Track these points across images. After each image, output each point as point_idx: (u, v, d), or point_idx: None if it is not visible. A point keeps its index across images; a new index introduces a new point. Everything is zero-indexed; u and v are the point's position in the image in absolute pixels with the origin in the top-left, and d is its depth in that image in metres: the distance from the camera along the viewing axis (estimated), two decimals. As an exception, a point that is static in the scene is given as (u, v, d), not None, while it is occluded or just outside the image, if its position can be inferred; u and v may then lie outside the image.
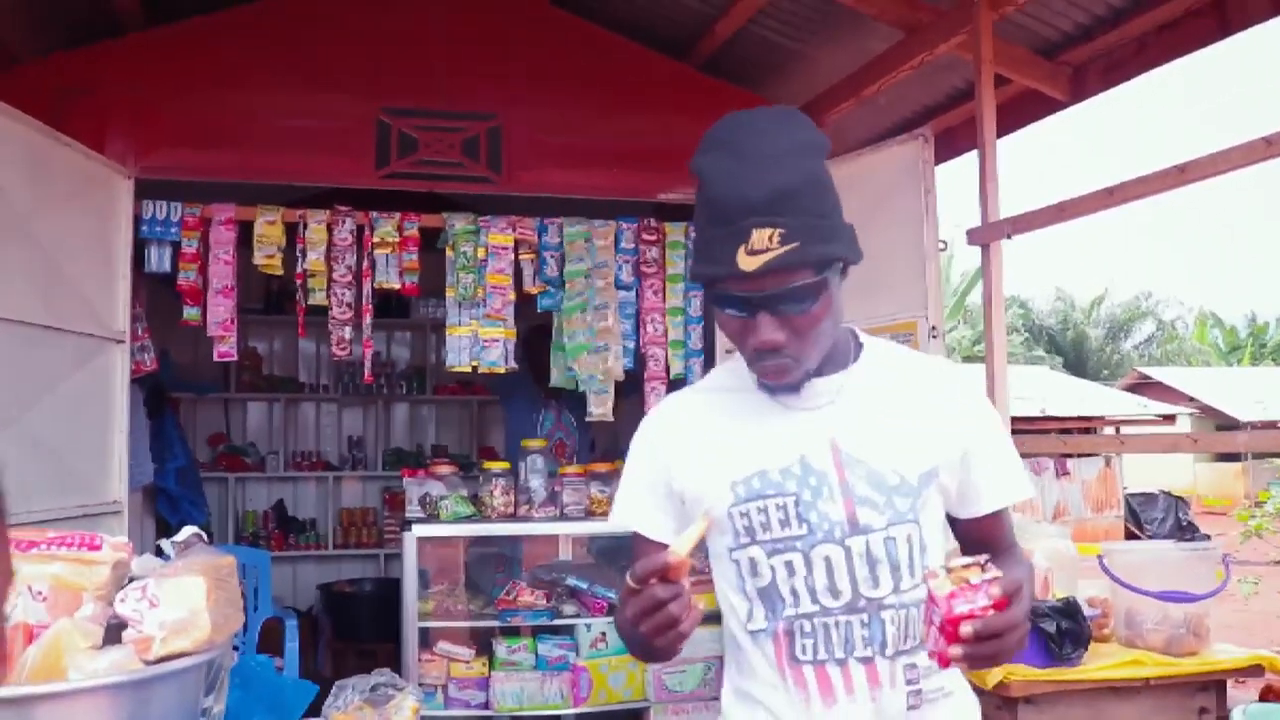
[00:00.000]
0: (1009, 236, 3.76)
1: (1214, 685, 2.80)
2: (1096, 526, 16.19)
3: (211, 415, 7.75)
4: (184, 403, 7.30)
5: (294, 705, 2.46)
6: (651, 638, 1.33)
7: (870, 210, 4.22)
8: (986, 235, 3.87)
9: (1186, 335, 34.27)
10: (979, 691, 2.63)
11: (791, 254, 1.41)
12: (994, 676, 2.53)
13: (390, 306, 7.41)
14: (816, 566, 1.50)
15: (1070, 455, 16.29)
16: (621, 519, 1.65)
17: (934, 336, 3.90)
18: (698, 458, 1.58)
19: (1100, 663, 2.67)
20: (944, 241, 3.99)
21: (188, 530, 2.62)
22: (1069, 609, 2.56)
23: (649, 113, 5.10)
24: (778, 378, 1.50)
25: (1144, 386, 24.13)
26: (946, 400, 1.60)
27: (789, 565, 1.51)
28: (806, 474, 1.51)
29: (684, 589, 1.31)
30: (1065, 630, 2.53)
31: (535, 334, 5.34)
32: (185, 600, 1.92)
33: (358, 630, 6.93)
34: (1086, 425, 17.69)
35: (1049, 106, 4.89)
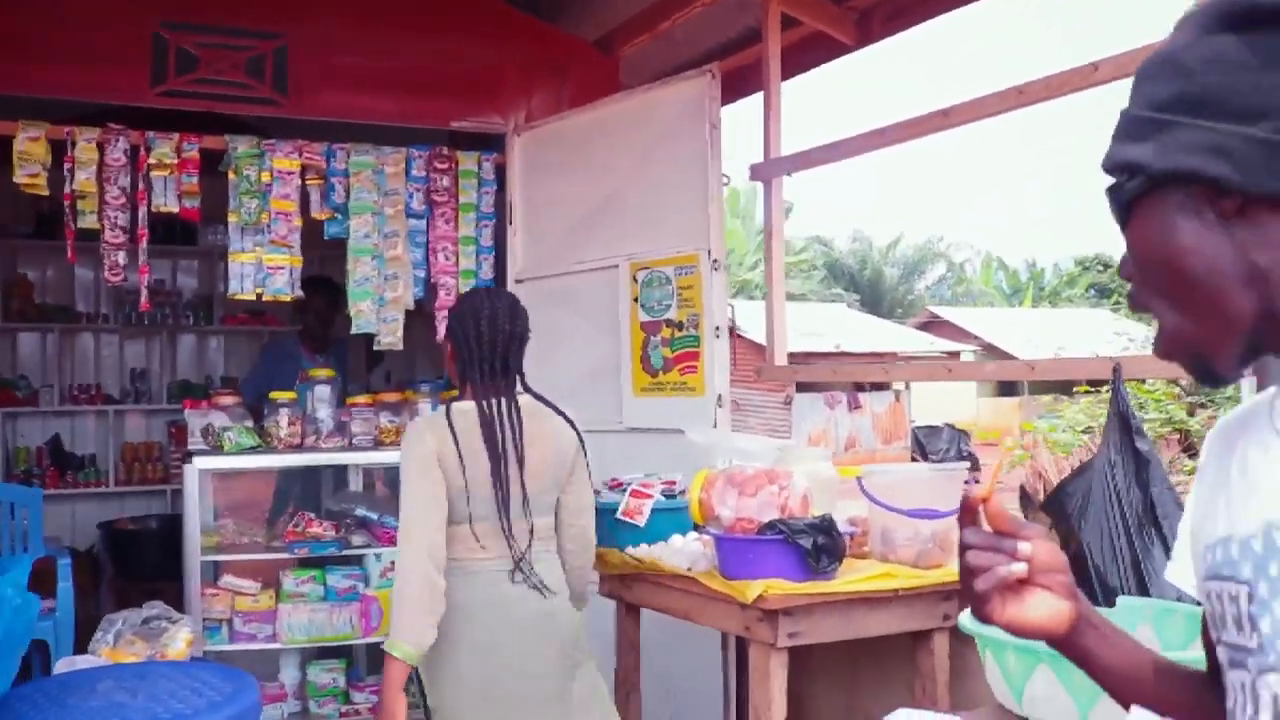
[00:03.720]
0: (789, 174, 3.88)
1: (957, 595, 3.01)
2: (885, 457, 16.97)
3: (-24, 346, 7.30)
4: (-58, 332, 6.86)
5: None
6: (962, 585, 1.10)
7: (656, 145, 4.29)
8: (768, 172, 3.99)
9: (974, 277, 36.17)
10: (741, 606, 2.78)
11: (1113, 144, 1.06)
12: (754, 590, 2.66)
13: (175, 233, 7.09)
14: (1264, 706, 0.98)
15: (862, 388, 17.05)
16: (1171, 577, 1.24)
17: (715, 269, 4.00)
18: (1200, 500, 1.12)
19: (854, 575, 2.84)
20: (727, 176, 4.08)
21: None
22: (824, 525, 2.70)
23: (445, 39, 5.01)
24: (1168, 355, 1.06)
25: (934, 325, 25.35)
26: None
27: (1241, 688, 1.01)
28: (1268, 556, 0.98)
29: (989, 535, 1.08)
30: (821, 545, 2.68)
31: (307, 287, 5.18)
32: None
33: (143, 569, 6.70)
34: (878, 361, 18.49)
35: (836, 50, 5.04)
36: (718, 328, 4.05)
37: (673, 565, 3.02)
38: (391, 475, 5.30)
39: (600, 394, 4.59)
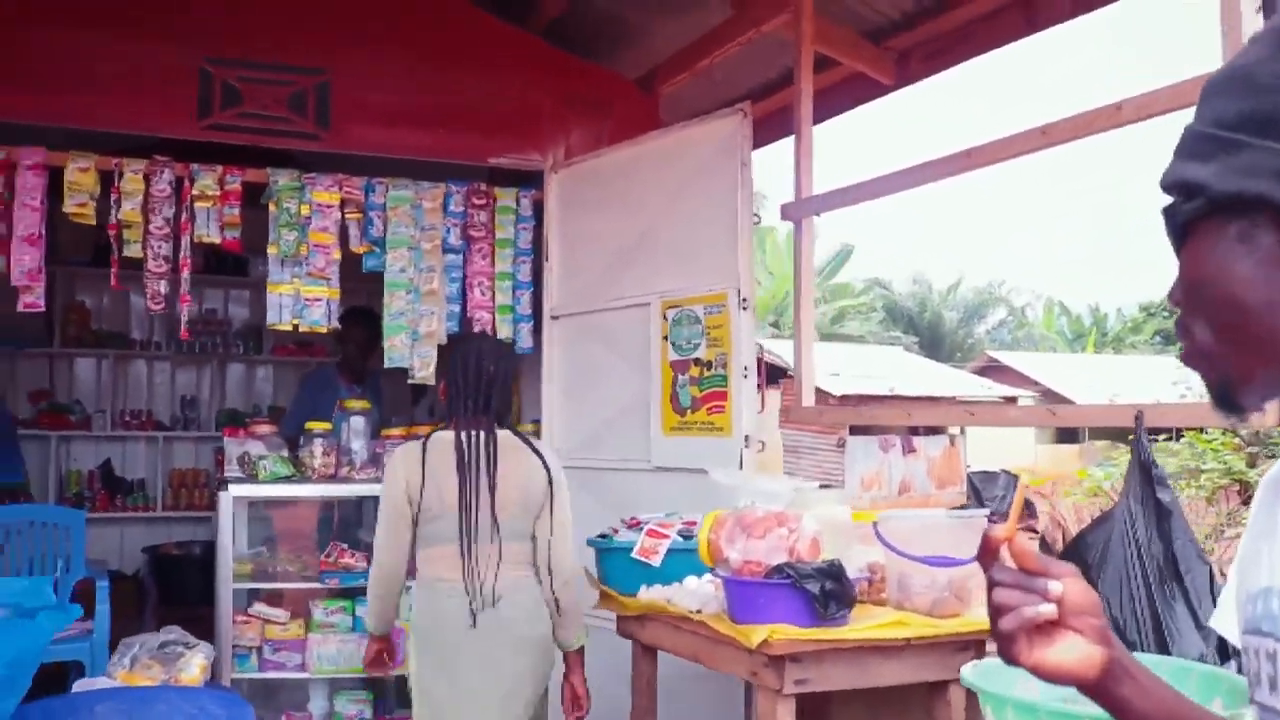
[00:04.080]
0: (818, 214, 3.86)
1: (974, 645, 2.94)
2: (939, 501, 16.71)
3: (34, 371, 7.46)
4: (1, 357, 7.02)
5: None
6: (992, 625, 1.05)
7: (689, 183, 4.30)
8: (798, 211, 3.97)
9: (1036, 322, 35.70)
10: (748, 651, 2.73)
11: (1174, 161, 0.99)
12: (758, 635, 2.62)
13: (227, 264, 7.23)
14: None
15: (916, 432, 16.84)
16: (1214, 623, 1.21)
17: (744, 308, 3.98)
18: (1247, 548, 1.07)
19: (867, 622, 2.78)
20: (758, 215, 4.07)
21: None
22: (833, 570, 2.65)
23: (484, 76, 5.08)
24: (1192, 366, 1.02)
25: (992, 369, 25.01)
26: None
27: None
28: None
29: (1018, 574, 1.02)
30: (830, 591, 2.62)
31: (347, 319, 5.25)
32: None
33: (186, 594, 6.76)
34: (918, 404, 18.25)
35: (875, 90, 5.03)
36: (745, 368, 4.02)
37: (682, 607, 2.98)
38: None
39: (631, 431, 4.57)
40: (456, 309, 5.03)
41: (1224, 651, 2.58)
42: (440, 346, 4.93)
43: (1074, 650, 1.01)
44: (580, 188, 4.94)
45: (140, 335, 7.69)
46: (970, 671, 2.31)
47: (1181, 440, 9.84)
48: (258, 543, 5.14)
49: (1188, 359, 1.00)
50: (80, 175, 4.57)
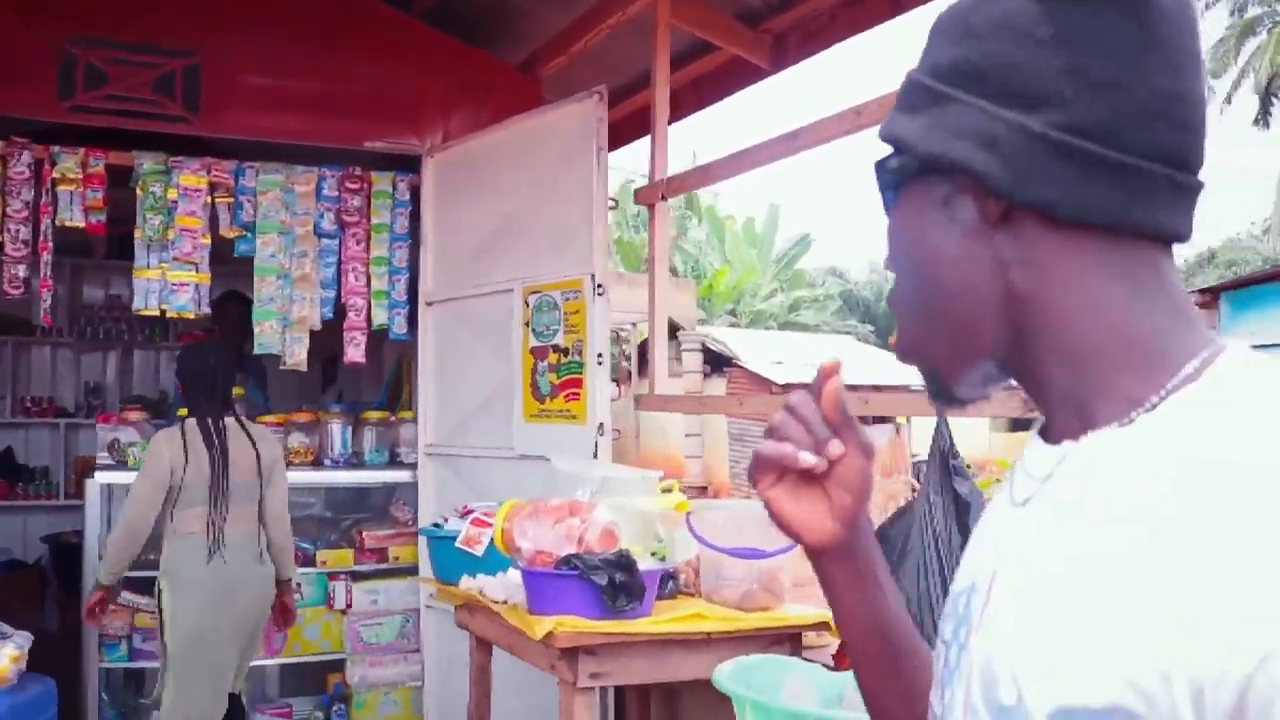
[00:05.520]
0: (663, 198, 3.81)
1: (789, 639, 2.90)
2: (885, 491, 16.73)
3: (-69, 357, 7.33)
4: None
5: None
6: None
7: (549, 167, 4.24)
8: (649, 195, 3.92)
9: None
10: (531, 642, 2.68)
11: (892, 111, 0.87)
12: (542, 627, 2.57)
13: (132, 249, 7.09)
14: None
15: (865, 421, 16.83)
16: None
17: (599, 294, 3.92)
18: None
19: (668, 615, 2.74)
20: (613, 200, 4.01)
21: None
22: (622, 562, 2.60)
23: (362, 60, 4.98)
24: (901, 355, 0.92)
25: (947, 357, 25.01)
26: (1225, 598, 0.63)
27: None
28: (965, 616, 0.83)
29: (814, 413, 0.91)
30: (620, 583, 2.58)
31: (220, 303, 5.22)
32: None
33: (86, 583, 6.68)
34: (876, 393, 18.18)
35: (755, 74, 4.98)
36: (600, 355, 3.97)
37: (490, 597, 2.93)
38: (292, 497, 5.26)
39: (497, 419, 4.52)
40: (331, 294, 4.96)
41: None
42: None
43: (810, 512, 0.94)
44: (454, 172, 4.87)
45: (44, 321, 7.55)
46: (728, 669, 2.27)
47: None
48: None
49: (903, 353, 0.89)
50: (-68, 157, 4.46)
